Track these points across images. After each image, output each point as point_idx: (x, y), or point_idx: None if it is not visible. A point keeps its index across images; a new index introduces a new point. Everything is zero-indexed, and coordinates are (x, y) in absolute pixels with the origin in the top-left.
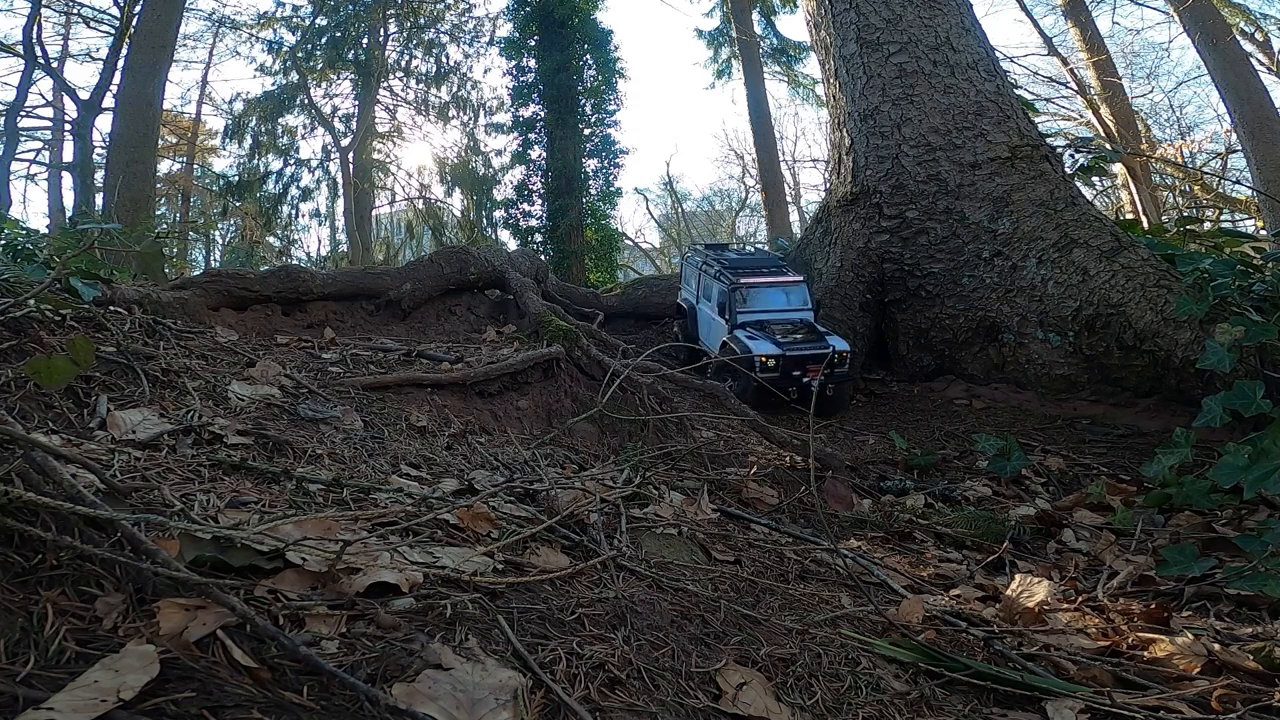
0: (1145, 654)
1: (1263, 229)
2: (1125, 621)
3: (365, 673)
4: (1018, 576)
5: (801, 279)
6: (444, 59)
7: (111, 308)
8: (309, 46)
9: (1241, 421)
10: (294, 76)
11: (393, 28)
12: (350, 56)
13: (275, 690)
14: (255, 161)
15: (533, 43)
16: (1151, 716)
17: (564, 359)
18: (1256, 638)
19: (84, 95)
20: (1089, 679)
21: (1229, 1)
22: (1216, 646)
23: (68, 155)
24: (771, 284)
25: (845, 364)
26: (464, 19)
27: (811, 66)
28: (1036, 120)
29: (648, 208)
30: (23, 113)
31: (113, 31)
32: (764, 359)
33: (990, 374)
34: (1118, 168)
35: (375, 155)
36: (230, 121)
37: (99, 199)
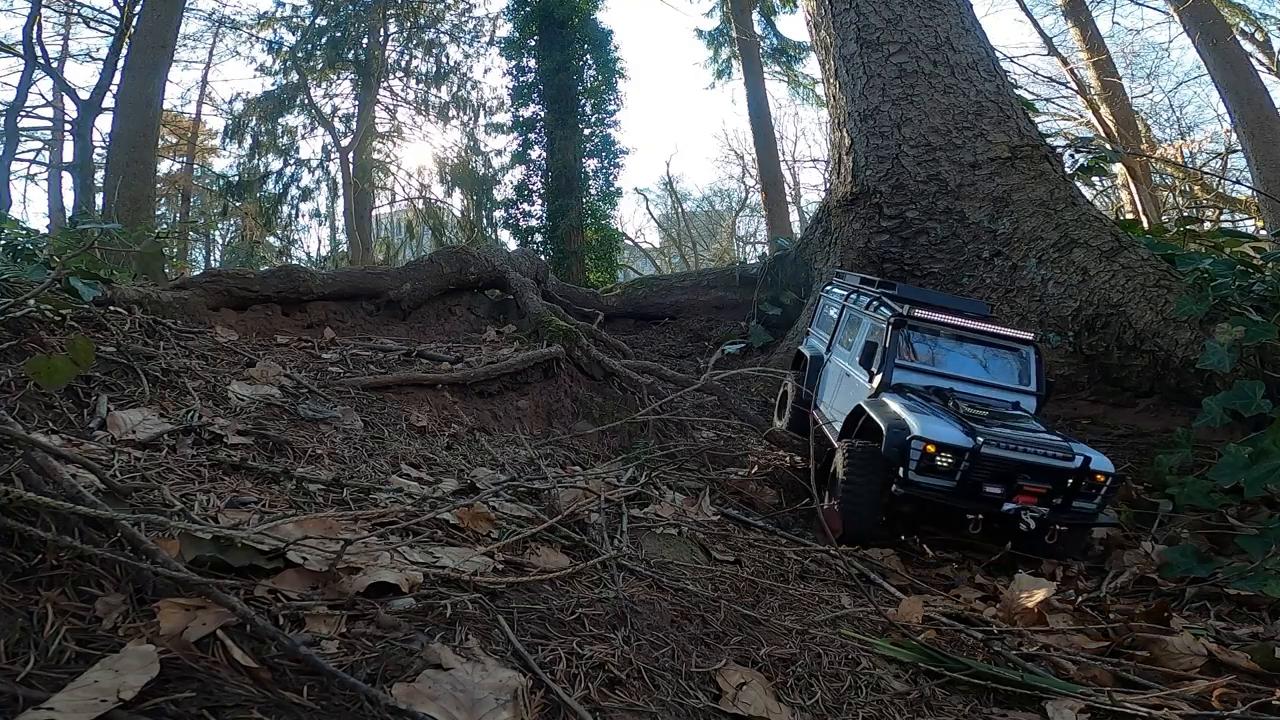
0: (1145, 653)
1: (1263, 229)
2: (1126, 621)
3: (365, 673)
4: (1018, 577)
5: (1029, 339)
6: (444, 59)
7: (111, 308)
8: (309, 46)
9: (1241, 421)
10: (294, 76)
11: (393, 28)
12: (350, 56)
13: (275, 690)
14: (255, 161)
15: (533, 43)
16: (1152, 715)
17: (564, 359)
18: (1256, 638)
19: (84, 95)
20: (1089, 679)
21: (1229, 1)
22: (1215, 646)
23: (68, 155)
24: (966, 332)
25: (1097, 494)
26: (464, 19)
27: (811, 66)
28: (1036, 120)
29: (648, 208)
30: (23, 113)
31: (113, 31)
32: (931, 447)
33: None
34: (1118, 168)
35: (375, 155)
36: (230, 121)
37: (99, 199)
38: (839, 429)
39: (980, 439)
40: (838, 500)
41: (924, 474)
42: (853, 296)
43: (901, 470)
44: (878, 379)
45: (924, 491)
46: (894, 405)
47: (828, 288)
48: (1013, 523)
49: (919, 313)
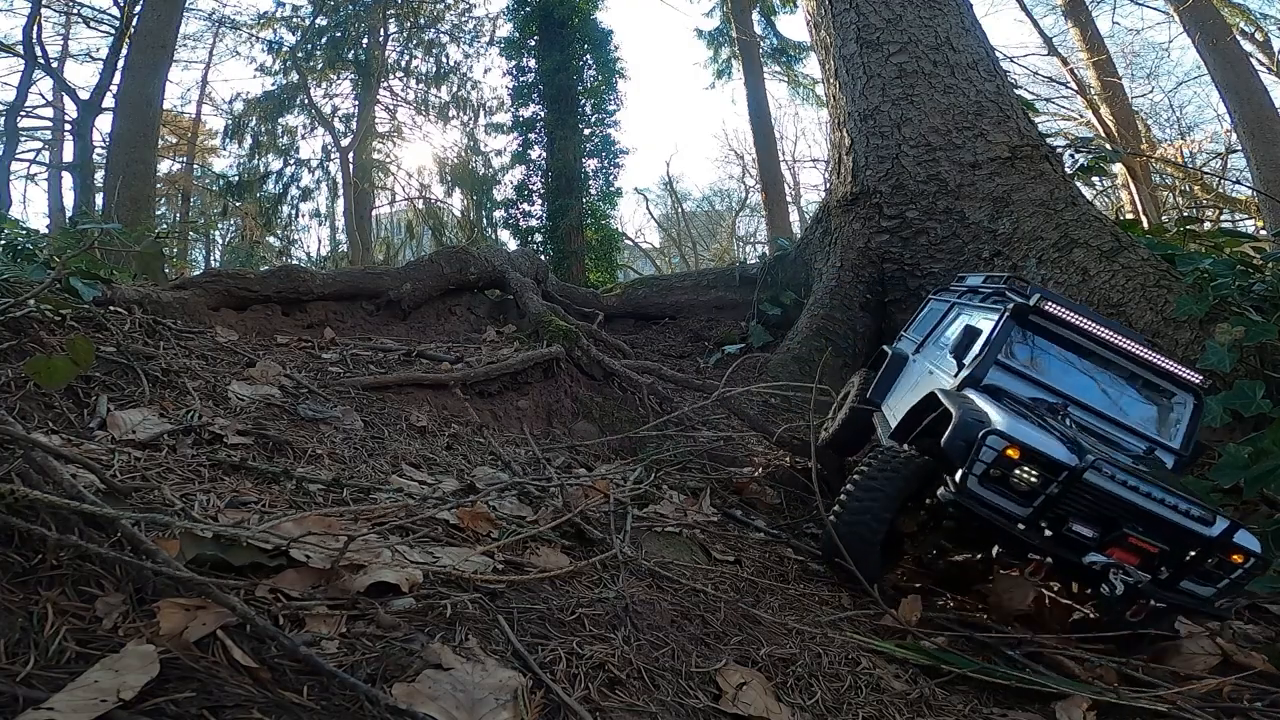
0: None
1: (1263, 229)
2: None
3: (365, 673)
4: (997, 579)
5: (1194, 382)
6: (444, 59)
7: (111, 308)
8: (309, 46)
9: (1241, 421)
10: (294, 76)
11: (393, 28)
12: (350, 56)
13: (275, 690)
14: (255, 161)
15: (533, 43)
16: (1159, 712)
17: (564, 359)
18: (1268, 638)
19: (84, 95)
20: (1095, 677)
21: (1229, 1)
22: (1230, 646)
23: (68, 155)
24: (1111, 349)
25: (1225, 578)
26: (464, 19)
27: (811, 66)
28: (1036, 120)
29: (648, 208)
30: (23, 113)
31: (113, 31)
32: (1014, 450)
33: None
34: (1118, 168)
35: (375, 155)
36: (230, 121)
37: (99, 199)
38: (893, 430)
39: (1090, 457)
40: (833, 516)
41: (991, 486)
42: (968, 295)
43: (960, 474)
44: (966, 372)
45: (983, 509)
46: (978, 400)
47: (938, 292)
48: (1092, 580)
49: (1050, 306)
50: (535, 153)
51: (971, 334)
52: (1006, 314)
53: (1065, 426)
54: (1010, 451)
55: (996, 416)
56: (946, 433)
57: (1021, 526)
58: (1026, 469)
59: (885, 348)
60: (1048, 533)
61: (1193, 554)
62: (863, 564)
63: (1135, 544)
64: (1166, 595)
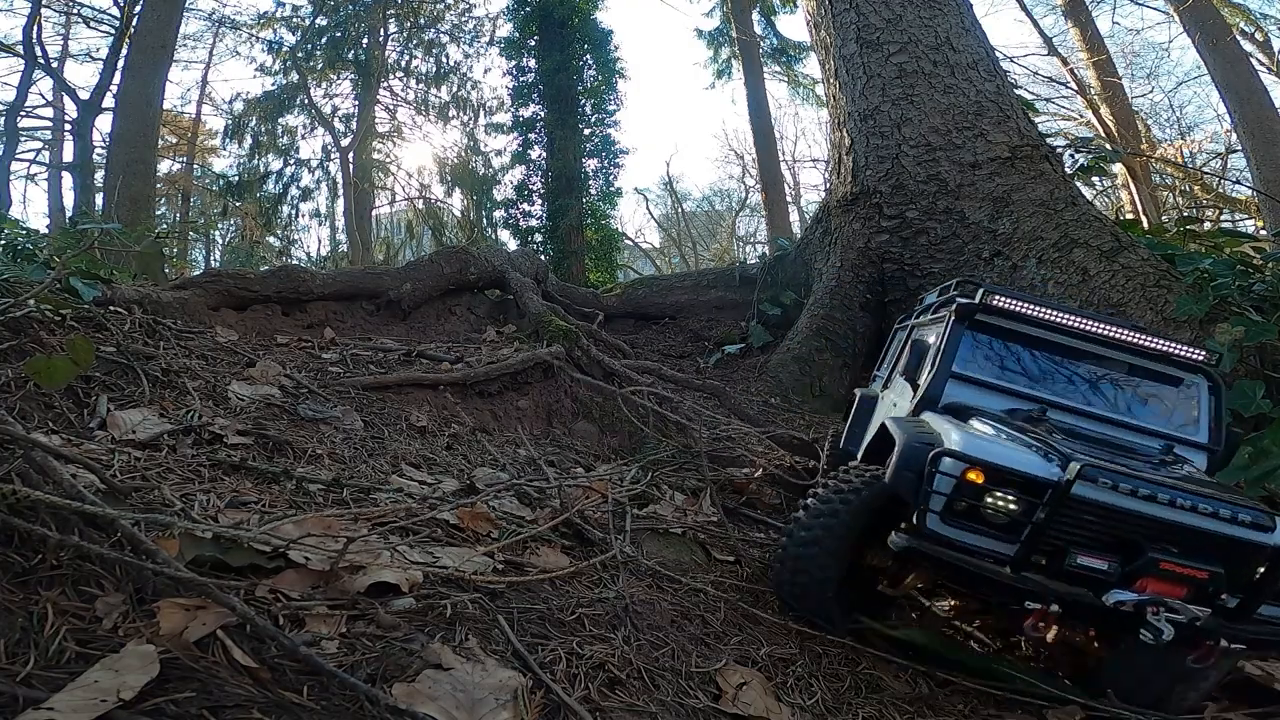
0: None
1: (1263, 229)
2: None
3: (365, 673)
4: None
5: (1198, 361)
6: (444, 59)
7: (111, 308)
8: (309, 46)
9: (1241, 421)
10: (294, 76)
11: (393, 28)
12: (350, 56)
13: (275, 690)
14: (255, 161)
15: (533, 43)
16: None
17: (564, 359)
18: None
19: (84, 95)
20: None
21: (1229, 1)
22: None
23: (68, 155)
24: (1082, 338)
25: None
26: (464, 19)
27: (811, 66)
28: (1036, 120)
29: (648, 208)
30: (23, 113)
31: (113, 31)
32: (975, 474)
33: None
34: (1118, 168)
35: (375, 155)
36: (230, 121)
37: (99, 199)
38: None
39: (1077, 466)
40: (780, 549)
41: (959, 522)
42: (922, 313)
43: (917, 512)
44: (919, 394)
45: (952, 553)
46: (934, 422)
47: (900, 320)
48: (1124, 625)
49: (999, 300)
50: (535, 153)
51: (920, 350)
52: (951, 318)
53: (1047, 435)
54: (972, 475)
55: (953, 435)
56: (891, 466)
57: (1009, 570)
58: (999, 494)
59: (856, 391)
60: (1042, 572)
61: (1262, 570)
62: (812, 607)
63: (1174, 570)
64: (1242, 630)
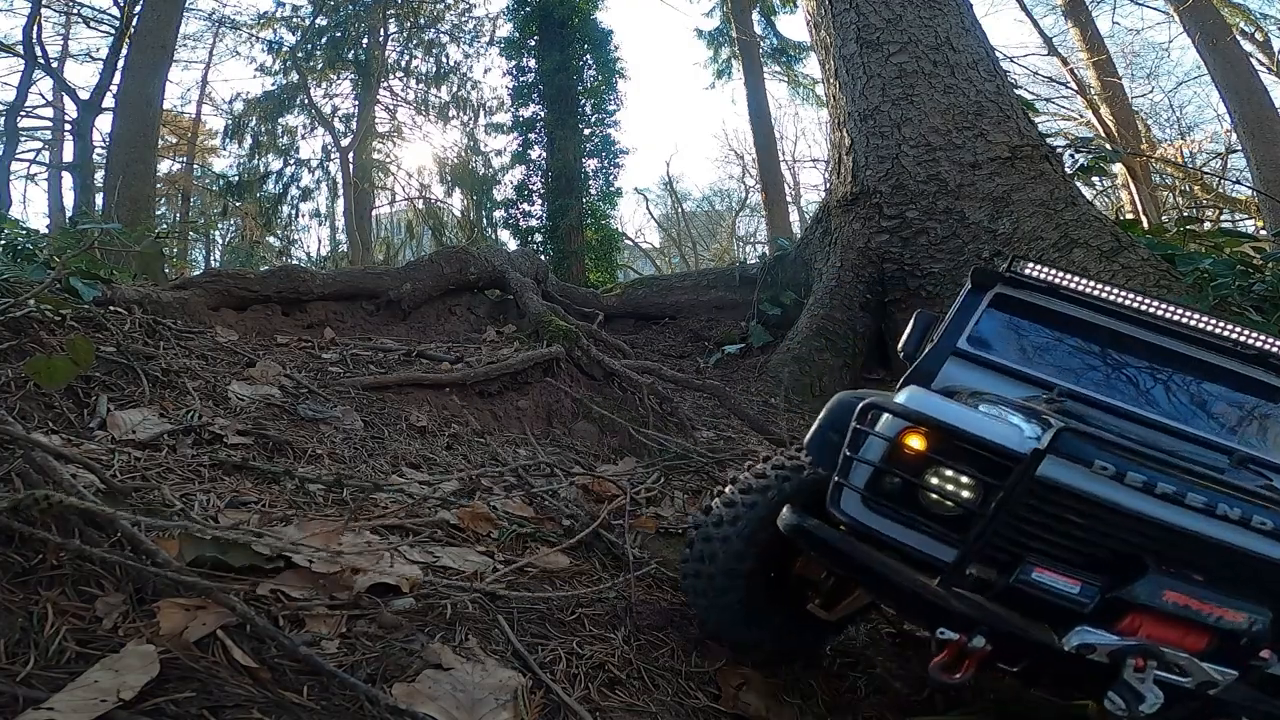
0: None
1: (1263, 229)
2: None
3: (365, 673)
4: None
5: None
6: (444, 59)
7: (111, 308)
8: (309, 46)
9: None
10: (294, 76)
11: (393, 28)
12: (350, 56)
13: (275, 690)
14: (255, 161)
15: (533, 43)
16: None
17: (564, 359)
18: None
19: (84, 95)
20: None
21: (1229, 1)
22: None
23: (68, 155)
24: (1135, 323)
25: None
26: (464, 19)
27: (811, 66)
28: (1036, 120)
29: (648, 208)
30: (23, 113)
31: (113, 31)
32: (916, 437)
33: None
34: (1118, 168)
35: (375, 155)
36: (230, 121)
37: (99, 199)
38: None
39: (1052, 432)
40: (682, 556)
41: (889, 508)
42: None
43: (831, 486)
44: (911, 368)
45: (854, 542)
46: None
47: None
48: (1092, 685)
49: (1033, 270)
50: (535, 153)
51: (925, 323)
52: (969, 287)
53: (1043, 410)
54: (911, 439)
55: (903, 394)
56: (808, 439)
57: (939, 583)
58: (948, 471)
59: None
60: (986, 592)
61: None
62: (718, 622)
63: (1188, 606)
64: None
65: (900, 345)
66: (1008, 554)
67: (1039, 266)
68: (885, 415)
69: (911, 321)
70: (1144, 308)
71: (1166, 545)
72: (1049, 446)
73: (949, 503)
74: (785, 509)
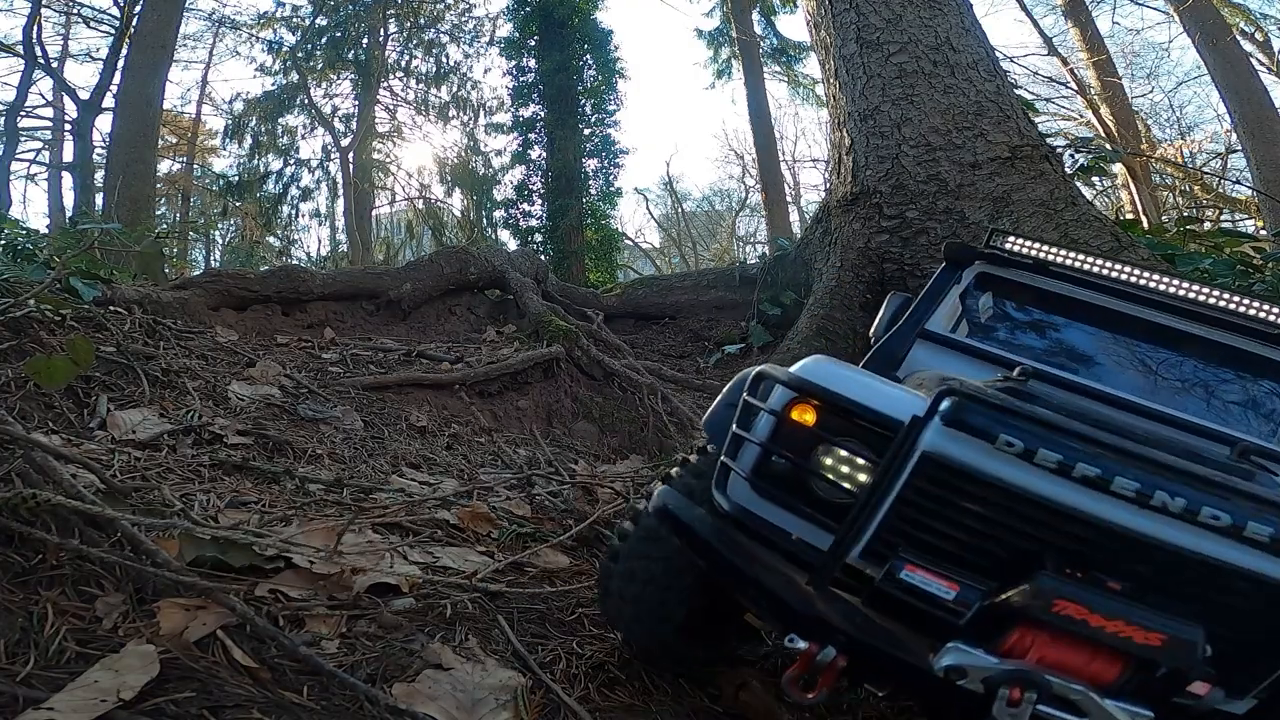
0: None
1: (1263, 229)
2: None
3: (365, 673)
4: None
5: None
6: (444, 59)
7: (111, 308)
8: (309, 46)
9: None
10: (294, 76)
11: (393, 28)
12: (350, 56)
13: (275, 690)
14: (255, 161)
15: (533, 43)
16: None
17: (564, 359)
18: None
19: (84, 95)
20: None
21: (1229, 1)
22: None
23: (68, 155)
24: (1119, 288)
25: None
26: (464, 19)
27: (811, 66)
28: (1036, 120)
29: (648, 208)
30: (23, 113)
31: (113, 31)
32: (801, 410)
33: None
34: (1118, 168)
35: (375, 155)
36: (230, 121)
37: (99, 199)
38: None
39: (941, 391)
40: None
41: (777, 494)
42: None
43: (718, 468)
44: (872, 350)
45: (735, 542)
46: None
47: None
48: (963, 715)
49: (1015, 243)
50: (535, 153)
51: (897, 306)
52: (945, 263)
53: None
54: (798, 413)
55: (804, 362)
56: (706, 415)
57: (807, 580)
58: (841, 450)
59: None
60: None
61: None
62: (642, 633)
63: (1083, 622)
64: None
65: (872, 330)
66: (891, 548)
67: (1022, 240)
68: (777, 386)
69: (885, 303)
70: (1144, 282)
71: (1072, 540)
72: (932, 413)
73: (847, 486)
74: (661, 488)
